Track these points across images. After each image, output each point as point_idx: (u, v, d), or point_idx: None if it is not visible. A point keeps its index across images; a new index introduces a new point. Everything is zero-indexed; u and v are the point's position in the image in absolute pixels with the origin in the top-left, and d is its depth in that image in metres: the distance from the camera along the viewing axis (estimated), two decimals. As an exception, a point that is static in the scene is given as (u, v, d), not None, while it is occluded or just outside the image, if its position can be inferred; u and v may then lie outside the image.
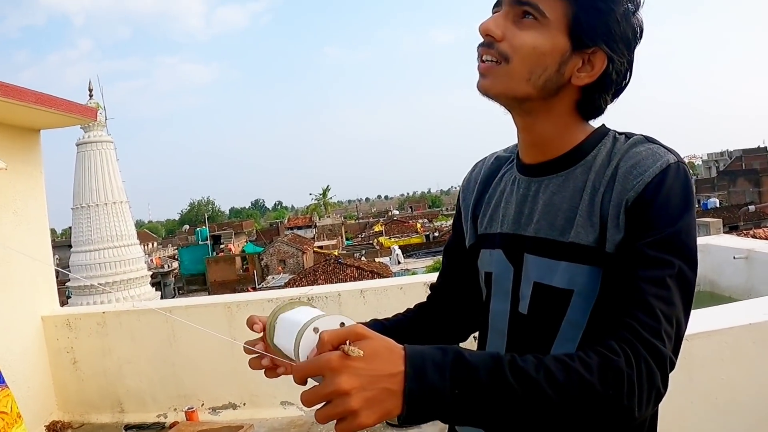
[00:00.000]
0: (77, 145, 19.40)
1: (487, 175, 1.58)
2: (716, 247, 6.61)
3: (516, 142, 1.49)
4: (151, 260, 52.94)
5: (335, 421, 0.99)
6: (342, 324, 1.07)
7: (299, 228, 76.43)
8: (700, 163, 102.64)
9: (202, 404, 6.02)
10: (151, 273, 21.77)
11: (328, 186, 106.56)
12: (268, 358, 1.37)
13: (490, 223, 1.50)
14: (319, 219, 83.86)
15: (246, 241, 66.63)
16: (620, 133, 1.36)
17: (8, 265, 5.97)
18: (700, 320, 3.53)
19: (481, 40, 1.31)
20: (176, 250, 63.97)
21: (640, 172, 1.22)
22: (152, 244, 70.76)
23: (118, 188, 19.51)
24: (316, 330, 1.08)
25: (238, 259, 50.70)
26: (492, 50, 1.28)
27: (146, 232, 77.11)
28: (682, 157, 1.26)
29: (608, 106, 1.37)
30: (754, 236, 9.13)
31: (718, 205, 51.19)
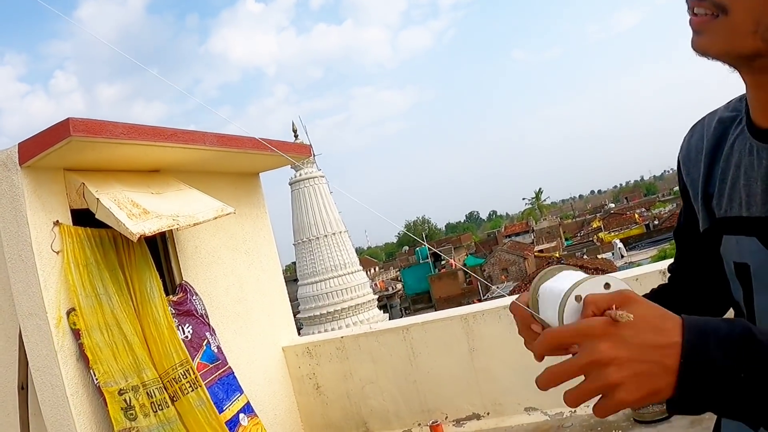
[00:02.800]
0: (290, 184, 20.25)
1: (713, 144, 1.29)
2: None
3: (735, 97, 1.27)
4: (376, 284, 54.43)
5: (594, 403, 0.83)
6: (607, 285, 0.92)
7: (517, 235, 75.98)
8: None
9: (446, 417, 6.07)
10: (377, 296, 22.33)
11: (540, 189, 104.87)
12: (538, 324, 1.10)
13: (730, 204, 1.22)
14: (536, 223, 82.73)
15: (466, 255, 67.06)
16: None
17: (246, 302, 6.35)
18: None
19: None
20: (398, 272, 65.49)
21: None
22: (375, 269, 72.93)
23: (336, 219, 20.19)
24: (578, 298, 0.92)
25: (460, 274, 51.10)
26: (704, 1, 1.03)
27: (367, 258, 79.65)
28: None
29: None
30: None
31: None
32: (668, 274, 1.56)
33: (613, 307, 0.83)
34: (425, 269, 54.75)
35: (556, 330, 0.88)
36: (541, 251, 55.75)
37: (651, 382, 0.81)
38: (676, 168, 1.40)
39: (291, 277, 24.44)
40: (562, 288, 0.98)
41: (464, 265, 55.49)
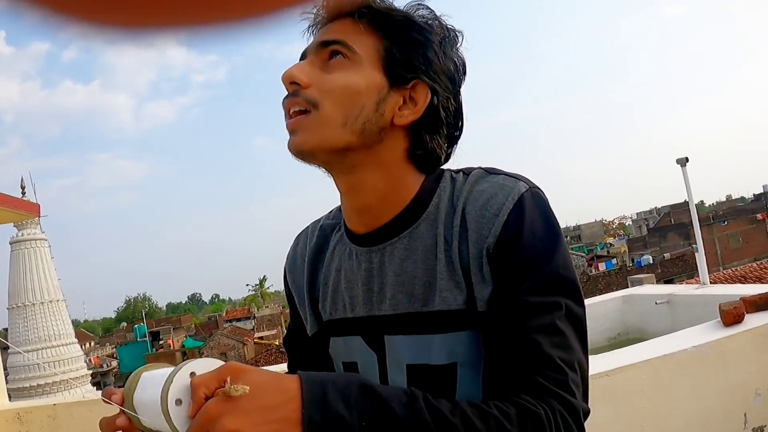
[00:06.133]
0: (11, 243, 18.95)
1: (315, 251, 1.35)
2: (639, 296, 7.09)
3: (336, 206, 1.35)
4: (90, 360, 51.64)
5: None
6: (193, 374, 0.92)
7: (238, 320, 75.35)
8: (630, 223, 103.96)
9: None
10: (90, 372, 21.31)
11: (264, 276, 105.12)
12: (123, 418, 1.10)
13: (334, 306, 1.28)
14: (258, 310, 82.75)
15: (185, 336, 65.52)
16: (456, 171, 1.20)
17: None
18: (621, 357, 3.97)
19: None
20: (115, 349, 62.60)
21: (493, 213, 1.07)
22: (90, 344, 68.88)
23: (54, 287, 19.08)
24: (178, 402, 0.90)
25: (178, 355, 49.78)
26: (298, 98, 1.10)
27: (83, 331, 75.10)
28: (532, 181, 1.13)
29: (448, 155, 1.21)
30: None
31: (651, 262, 51.73)
32: None
33: (227, 382, 0.85)
34: (143, 348, 52.87)
35: None
36: (261, 338, 55.90)
37: None
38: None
39: (1, 343, 22.68)
40: (156, 397, 0.93)
41: (183, 346, 54.37)
